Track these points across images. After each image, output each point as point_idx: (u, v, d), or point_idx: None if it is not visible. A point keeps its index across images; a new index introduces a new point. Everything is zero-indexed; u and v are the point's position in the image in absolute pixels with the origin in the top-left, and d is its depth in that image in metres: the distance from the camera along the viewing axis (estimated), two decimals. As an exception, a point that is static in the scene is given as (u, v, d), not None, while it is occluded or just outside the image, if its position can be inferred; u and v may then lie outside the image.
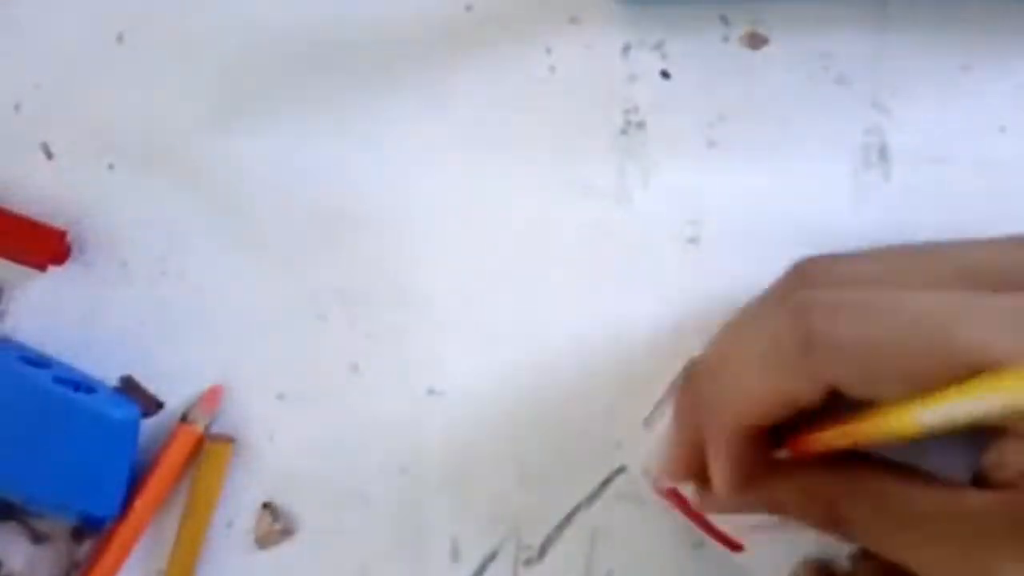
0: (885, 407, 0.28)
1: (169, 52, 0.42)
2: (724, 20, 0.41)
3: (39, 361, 0.41)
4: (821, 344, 0.29)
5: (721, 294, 0.40)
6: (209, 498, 0.41)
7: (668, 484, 0.38)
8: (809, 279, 0.33)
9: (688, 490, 0.38)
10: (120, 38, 0.42)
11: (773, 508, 0.35)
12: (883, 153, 0.40)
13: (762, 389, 0.31)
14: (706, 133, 0.41)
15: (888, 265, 0.32)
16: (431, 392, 0.41)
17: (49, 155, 0.42)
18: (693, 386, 0.36)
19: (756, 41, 0.41)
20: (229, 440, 0.41)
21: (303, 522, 0.41)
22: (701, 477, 0.35)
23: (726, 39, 0.41)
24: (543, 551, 0.41)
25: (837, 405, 0.30)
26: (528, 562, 0.40)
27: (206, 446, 0.41)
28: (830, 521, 0.33)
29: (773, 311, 0.32)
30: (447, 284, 0.41)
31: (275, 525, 0.41)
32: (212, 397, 0.41)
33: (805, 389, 0.30)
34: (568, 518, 0.40)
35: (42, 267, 0.41)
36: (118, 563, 0.41)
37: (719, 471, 0.33)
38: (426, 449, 0.41)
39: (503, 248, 0.41)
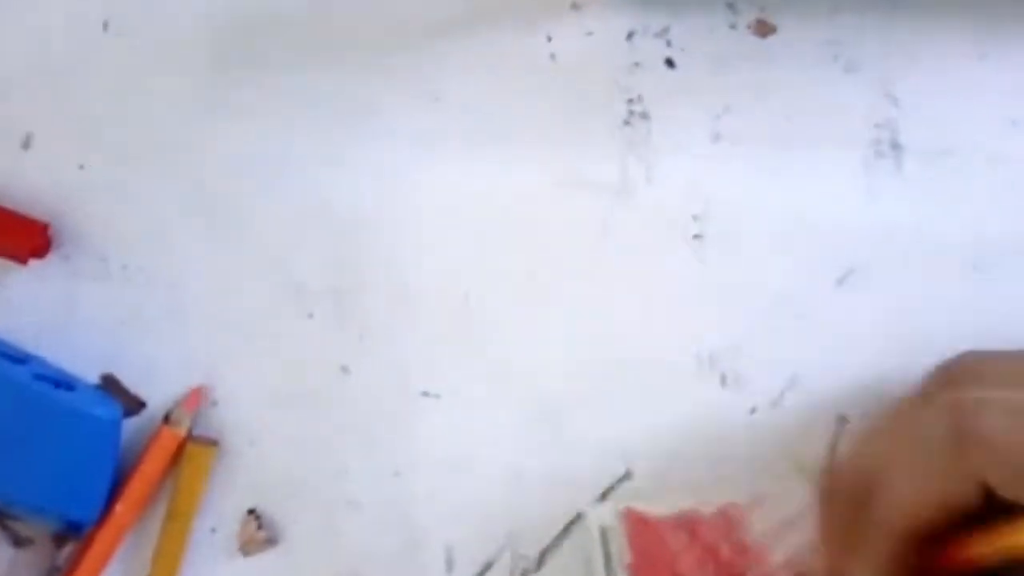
0: None
1: (155, 41, 0.42)
2: (731, 7, 0.40)
3: (18, 357, 0.40)
4: (969, 440, 0.30)
5: (727, 292, 0.40)
6: (191, 502, 0.40)
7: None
8: (956, 377, 0.33)
9: None
10: (106, 26, 0.42)
11: None
12: (894, 145, 0.40)
13: (915, 494, 0.31)
14: (712, 125, 0.40)
15: None
16: (425, 394, 0.40)
17: (29, 146, 0.42)
18: (840, 494, 0.35)
19: (764, 29, 0.40)
20: (213, 443, 0.41)
21: (289, 529, 0.41)
22: None
23: (733, 26, 0.40)
24: (541, 561, 0.40)
25: (992, 517, 0.30)
26: (525, 572, 0.40)
27: (188, 448, 0.40)
28: None
29: (921, 412, 0.32)
30: (442, 281, 0.41)
31: (260, 532, 0.40)
32: (195, 397, 0.41)
33: (957, 490, 0.30)
34: (567, 528, 0.40)
35: (23, 260, 0.41)
36: (99, 568, 0.40)
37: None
38: (419, 454, 0.40)
39: (500, 244, 0.41)
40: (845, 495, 0.34)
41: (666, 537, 0.38)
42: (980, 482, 0.29)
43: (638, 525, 0.38)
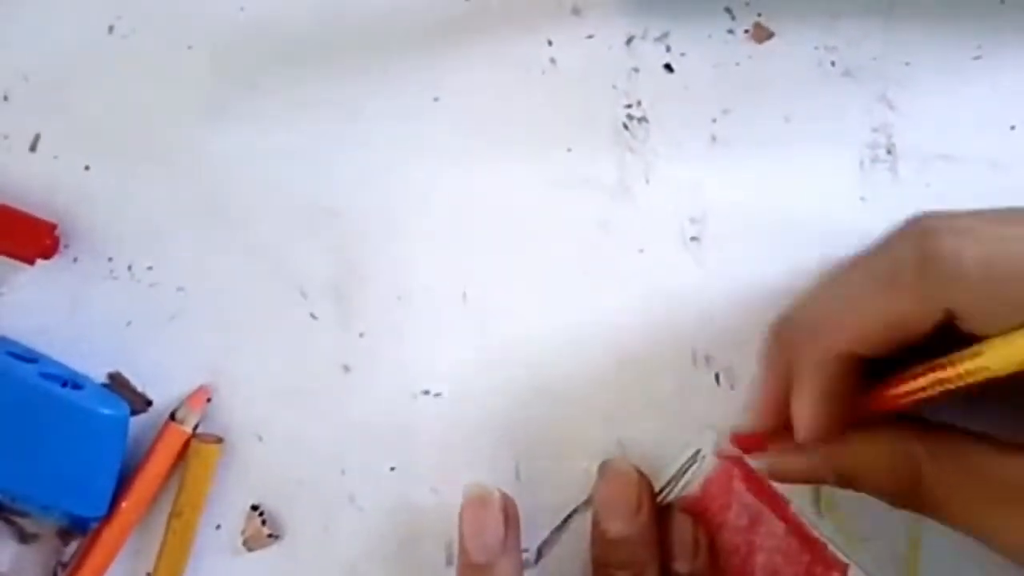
0: (993, 341, 0.28)
1: (160, 44, 0.42)
2: (730, 12, 0.40)
3: (26, 356, 0.41)
4: (946, 264, 0.28)
5: (723, 294, 0.40)
6: (196, 499, 0.40)
7: (746, 433, 0.37)
8: (926, 222, 0.31)
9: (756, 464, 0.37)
10: (111, 29, 0.42)
11: (844, 478, 0.34)
12: (891, 149, 0.39)
13: (872, 311, 0.30)
14: (709, 128, 0.40)
15: (1010, 214, 0.31)
16: (426, 393, 0.41)
17: (36, 147, 0.42)
18: (785, 324, 0.34)
19: (762, 34, 0.40)
20: (218, 440, 0.41)
21: (293, 525, 0.41)
22: (780, 432, 0.34)
23: (732, 32, 0.40)
24: (540, 555, 0.40)
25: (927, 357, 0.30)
26: (524, 566, 0.39)
27: (194, 446, 0.40)
28: (907, 487, 0.32)
29: (888, 242, 0.31)
30: (443, 282, 0.41)
31: (264, 528, 0.41)
32: (201, 396, 0.41)
33: (918, 312, 0.29)
34: (565, 521, 0.40)
35: (31, 261, 0.41)
36: (105, 564, 0.40)
37: (807, 404, 0.32)
38: (420, 451, 0.40)
39: (499, 244, 0.41)
40: (791, 327, 0.33)
41: (739, 500, 0.38)
42: (945, 306, 0.29)
43: (731, 472, 0.38)
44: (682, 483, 0.39)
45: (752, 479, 0.38)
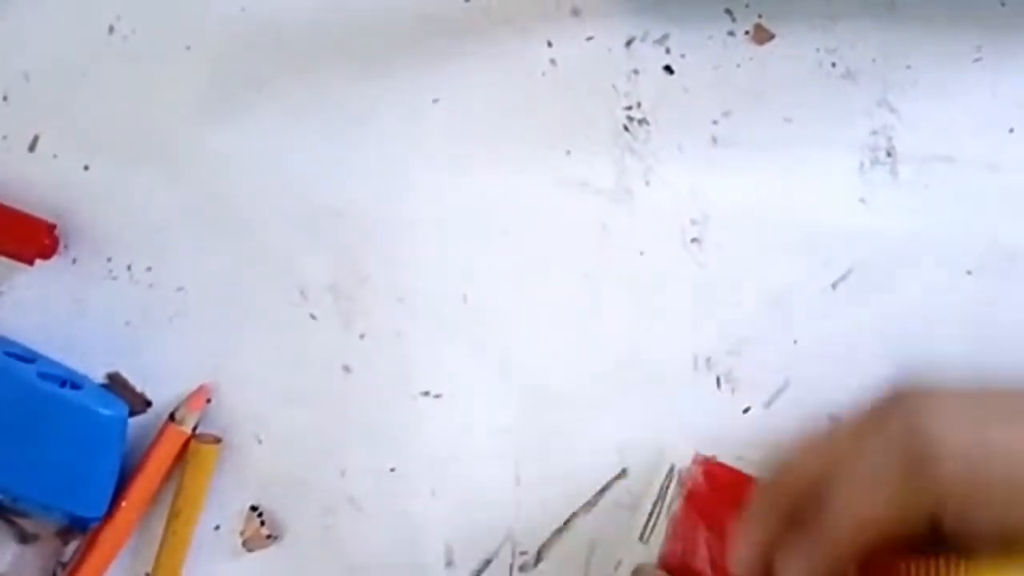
0: (982, 558, 0.29)
1: (160, 44, 0.42)
2: (730, 14, 0.40)
3: (25, 356, 0.41)
4: (924, 475, 0.29)
5: (724, 296, 0.40)
6: (195, 500, 0.40)
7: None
8: (910, 407, 0.32)
9: None
10: (111, 29, 0.42)
11: None
12: (890, 151, 0.40)
13: (866, 512, 0.31)
14: (710, 130, 0.40)
15: (992, 404, 0.32)
16: (426, 394, 0.41)
17: (36, 147, 0.42)
18: (780, 492, 0.34)
19: (762, 35, 0.40)
20: (217, 440, 0.41)
21: (292, 526, 0.41)
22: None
23: (732, 33, 0.40)
24: (539, 558, 0.40)
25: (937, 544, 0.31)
26: (524, 568, 0.40)
27: (193, 446, 0.40)
28: None
29: (875, 436, 0.32)
30: (442, 282, 0.41)
31: (263, 529, 0.41)
32: (200, 396, 0.41)
33: (907, 517, 0.30)
34: (566, 524, 0.40)
35: (30, 261, 0.41)
36: (104, 564, 0.40)
37: None
38: (420, 452, 0.41)
39: (500, 246, 0.41)
40: (789, 495, 0.34)
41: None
42: (931, 514, 0.30)
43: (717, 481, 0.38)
44: (666, 504, 0.39)
45: (726, 477, 0.38)
